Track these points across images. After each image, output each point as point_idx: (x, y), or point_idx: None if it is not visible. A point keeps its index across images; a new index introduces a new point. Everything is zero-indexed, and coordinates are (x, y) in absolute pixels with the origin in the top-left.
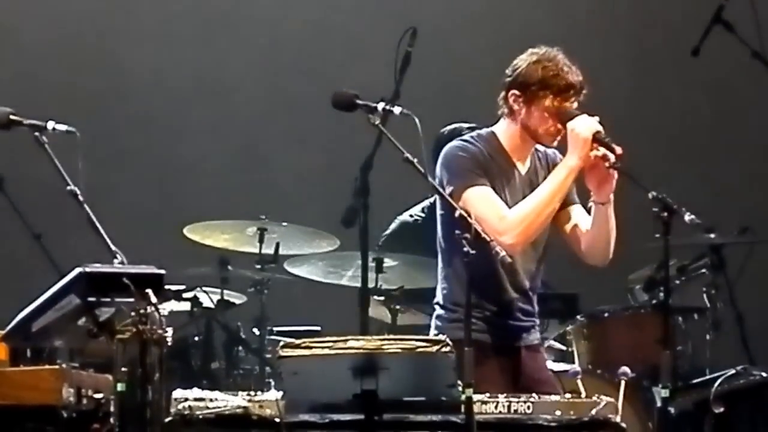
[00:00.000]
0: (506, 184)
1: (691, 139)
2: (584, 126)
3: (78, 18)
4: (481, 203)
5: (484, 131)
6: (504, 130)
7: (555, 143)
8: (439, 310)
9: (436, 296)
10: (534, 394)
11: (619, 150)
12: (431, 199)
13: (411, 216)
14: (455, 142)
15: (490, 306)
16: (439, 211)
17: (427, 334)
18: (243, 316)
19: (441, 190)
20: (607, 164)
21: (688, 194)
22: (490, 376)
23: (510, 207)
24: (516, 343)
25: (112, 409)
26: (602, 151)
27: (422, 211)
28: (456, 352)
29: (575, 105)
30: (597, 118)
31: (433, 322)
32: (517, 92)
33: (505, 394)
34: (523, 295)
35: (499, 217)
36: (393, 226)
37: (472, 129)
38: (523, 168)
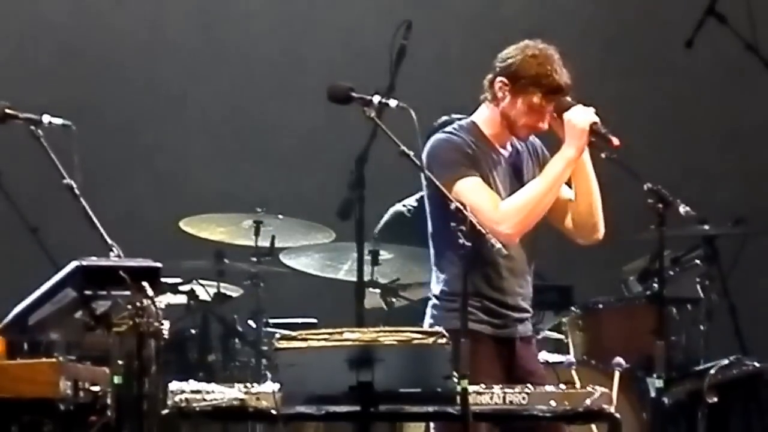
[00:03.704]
0: (494, 171)
1: (684, 130)
2: (581, 117)
3: (73, 12)
4: (474, 194)
5: (464, 122)
6: (485, 117)
7: (528, 138)
8: (434, 300)
9: (431, 287)
10: (529, 385)
11: (616, 141)
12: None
13: (405, 206)
14: (439, 135)
15: (489, 294)
16: (428, 205)
17: (420, 322)
18: (239, 309)
19: (437, 182)
20: (603, 155)
21: (682, 185)
22: (487, 367)
23: (500, 193)
24: (512, 334)
25: (109, 401)
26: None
27: (416, 201)
28: (452, 342)
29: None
30: (593, 109)
31: (429, 312)
32: (505, 81)
33: (500, 385)
34: (521, 279)
35: (495, 207)
36: (387, 216)
37: None
38: (505, 152)
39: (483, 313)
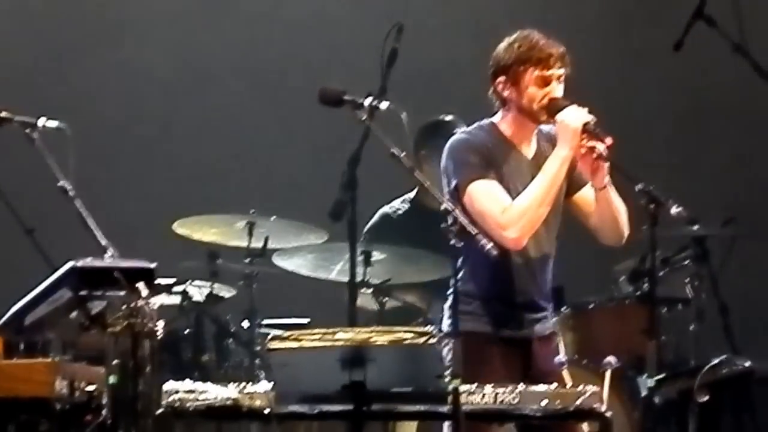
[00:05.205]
0: (513, 171)
1: (674, 131)
2: (574, 116)
3: (65, 13)
4: (484, 197)
5: (484, 122)
6: (502, 119)
7: (553, 121)
8: (451, 299)
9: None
10: (521, 384)
11: (609, 140)
12: (413, 192)
13: (392, 208)
14: (459, 135)
15: (503, 296)
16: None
17: (412, 321)
18: (233, 309)
19: (426, 183)
20: (594, 155)
21: (672, 186)
22: (500, 370)
23: (519, 193)
24: (528, 335)
25: (104, 401)
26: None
27: (403, 202)
28: (466, 345)
29: (562, 72)
30: (587, 109)
31: (446, 312)
32: (502, 78)
33: (492, 384)
34: (537, 278)
35: (502, 211)
36: (375, 218)
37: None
38: (528, 152)
39: (493, 315)
